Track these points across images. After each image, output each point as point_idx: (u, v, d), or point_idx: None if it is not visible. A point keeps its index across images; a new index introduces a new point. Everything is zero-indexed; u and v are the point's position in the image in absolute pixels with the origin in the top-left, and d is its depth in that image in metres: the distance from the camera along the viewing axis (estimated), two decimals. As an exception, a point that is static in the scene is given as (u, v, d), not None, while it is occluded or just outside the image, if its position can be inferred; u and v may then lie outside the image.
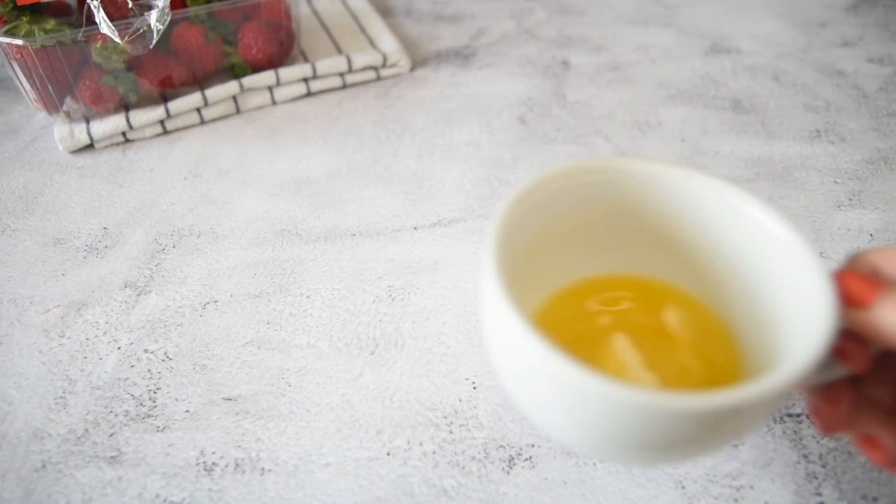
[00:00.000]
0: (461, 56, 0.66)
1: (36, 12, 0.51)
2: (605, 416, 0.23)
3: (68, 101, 0.55)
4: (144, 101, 0.57)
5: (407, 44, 0.67)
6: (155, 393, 0.38)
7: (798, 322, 0.25)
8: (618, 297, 0.32)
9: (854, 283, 0.24)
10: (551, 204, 0.30)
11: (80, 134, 0.55)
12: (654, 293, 0.31)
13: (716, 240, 0.30)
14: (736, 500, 0.32)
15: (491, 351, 0.27)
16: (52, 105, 0.55)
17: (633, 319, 0.31)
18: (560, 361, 0.22)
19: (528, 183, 0.28)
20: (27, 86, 0.53)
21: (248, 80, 0.58)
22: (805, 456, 0.33)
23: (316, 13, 0.70)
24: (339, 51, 0.64)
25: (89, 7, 0.49)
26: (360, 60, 0.61)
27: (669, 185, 0.30)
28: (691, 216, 0.30)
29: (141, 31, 0.51)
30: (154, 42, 0.51)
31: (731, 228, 0.29)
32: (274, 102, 0.60)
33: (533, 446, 0.34)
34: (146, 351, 0.40)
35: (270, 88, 0.59)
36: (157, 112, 0.56)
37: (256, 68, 0.59)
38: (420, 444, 0.35)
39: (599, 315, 0.31)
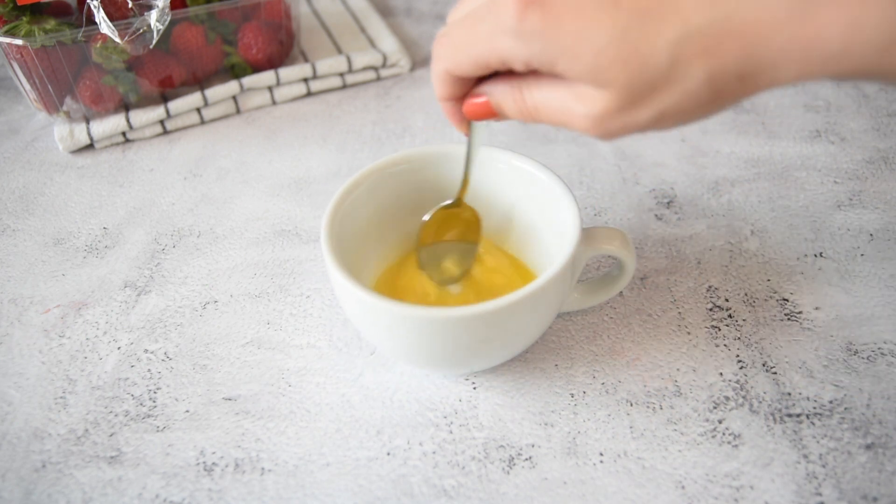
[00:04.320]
0: (461, 56, 0.65)
1: (36, 12, 0.51)
2: (405, 329, 0.32)
3: (68, 101, 0.55)
4: (144, 101, 0.57)
5: (407, 44, 0.67)
6: (155, 393, 0.38)
7: (556, 248, 0.35)
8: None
9: (478, 112, 0.31)
10: (372, 194, 0.38)
11: (80, 134, 0.55)
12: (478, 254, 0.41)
13: (502, 192, 0.40)
14: (736, 500, 0.32)
15: (341, 302, 0.35)
16: (52, 105, 0.55)
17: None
18: (370, 296, 0.31)
19: (348, 182, 0.37)
20: (27, 86, 0.53)
21: (248, 80, 0.58)
22: (805, 456, 0.33)
23: (316, 13, 0.70)
24: (339, 51, 0.64)
25: (89, 7, 0.49)
26: (360, 60, 0.61)
27: (459, 159, 0.38)
28: (484, 179, 0.39)
29: (141, 31, 0.51)
30: (154, 42, 0.51)
31: (511, 180, 0.39)
32: (274, 102, 0.60)
33: (533, 446, 0.34)
34: (146, 351, 0.40)
35: (270, 88, 0.59)
36: (157, 112, 0.56)
37: (256, 68, 0.59)
38: (420, 444, 0.35)
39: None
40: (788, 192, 0.48)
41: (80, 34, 0.51)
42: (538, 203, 0.38)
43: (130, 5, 0.51)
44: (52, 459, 0.35)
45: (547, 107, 0.28)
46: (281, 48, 0.60)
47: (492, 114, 0.31)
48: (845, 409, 0.35)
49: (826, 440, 0.34)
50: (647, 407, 0.36)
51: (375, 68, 0.62)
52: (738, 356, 0.38)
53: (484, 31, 0.27)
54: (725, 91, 0.26)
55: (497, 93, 0.30)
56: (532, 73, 0.29)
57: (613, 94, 0.26)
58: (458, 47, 0.29)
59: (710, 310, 0.41)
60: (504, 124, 0.56)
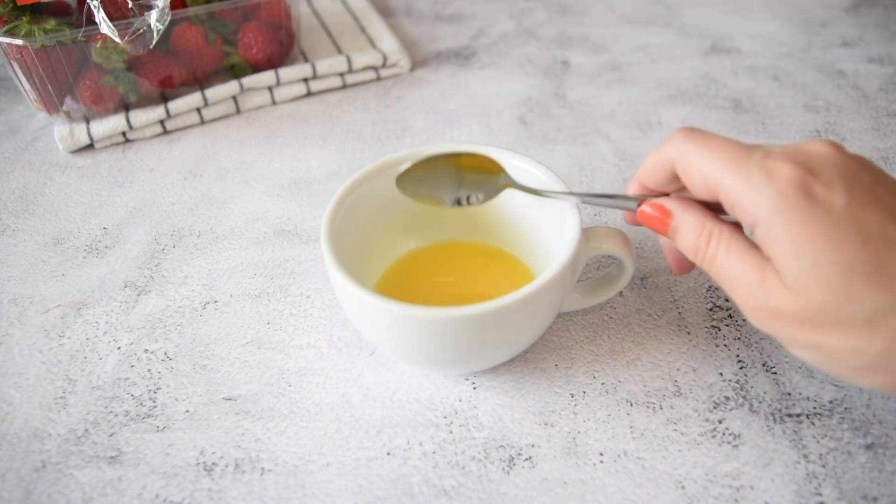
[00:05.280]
0: (461, 56, 0.66)
1: (36, 12, 0.51)
2: (405, 329, 0.32)
3: (68, 101, 0.55)
4: (144, 101, 0.57)
5: (407, 44, 0.67)
6: (155, 393, 0.38)
7: (557, 247, 0.34)
8: (445, 260, 0.42)
9: (650, 223, 0.32)
10: (372, 194, 0.38)
11: (80, 134, 0.55)
12: (474, 254, 0.41)
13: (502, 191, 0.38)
14: (736, 500, 0.32)
15: (341, 302, 0.35)
16: (52, 105, 0.55)
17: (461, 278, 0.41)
18: (370, 296, 0.31)
19: (348, 182, 0.37)
20: (27, 86, 0.53)
21: (248, 80, 0.58)
22: (805, 456, 0.33)
23: (316, 13, 0.70)
24: (339, 51, 0.64)
25: (89, 7, 0.49)
26: (360, 60, 0.61)
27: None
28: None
29: (141, 31, 0.51)
30: (154, 42, 0.51)
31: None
32: (274, 102, 0.60)
33: (533, 446, 0.34)
34: (146, 351, 0.40)
35: (270, 88, 0.59)
36: (157, 112, 0.56)
37: (256, 68, 0.59)
38: (420, 444, 0.35)
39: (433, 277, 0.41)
40: (788, 192, 0.48)
41: (80, 34, 0.51)
42: (538, 203, 0.38)
43: (130, 5, 0.51)
44: (52, 459, 0.35)
45: (727, 269, 0.29)
46: (281, 48, 0.60)
47: (662, 228, 0.31)
48: (845, 409, 0.35)
49: (826, 440, 0.34)
50: (647, 407, 0.36)
51: (375, 68, 0.62)
52: (738, 356, 0.38)
53: (748, 163, 0.27)
54: (885, 368, 0.26)
55: (687, 219, 0.30)
56: (733, 225, 0.29)
57: (798, 303, 0.26)
58: (705, 151, 0.28)
59: (710, 310, 0.41)
60: (503, 122, 0.57)
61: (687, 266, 0.35)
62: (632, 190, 0.33)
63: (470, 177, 0.36)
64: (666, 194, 0.32)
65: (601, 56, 0.65)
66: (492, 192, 0.36)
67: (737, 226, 0.30)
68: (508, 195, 0.39)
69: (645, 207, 0.32)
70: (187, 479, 0.34)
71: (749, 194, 0.27)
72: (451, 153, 0.35)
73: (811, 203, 0.26)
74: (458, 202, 0.36)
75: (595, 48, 0.66)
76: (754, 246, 0.28)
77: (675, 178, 0.30)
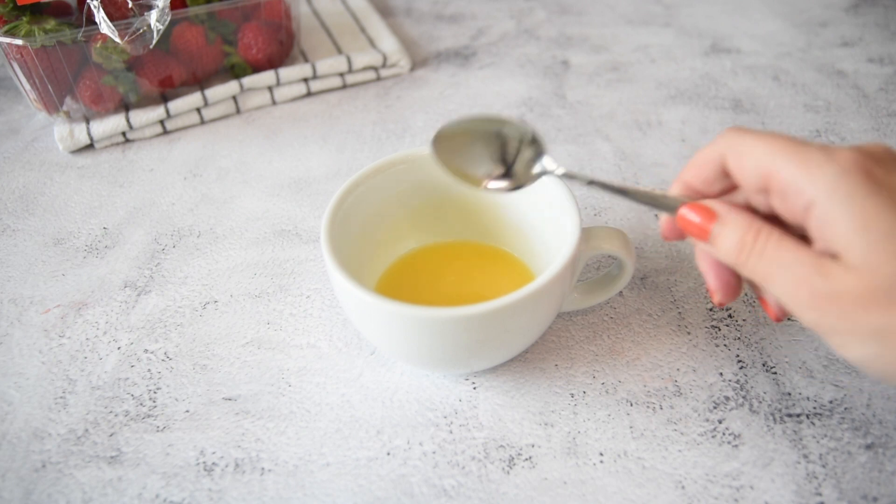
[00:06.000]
0: (461, 56, 0.66)
1: (36, 12, 0.51)
2: (405, 329, 0.32)
3: (68, 101, 0.55)
4: (144, 101, 0.57)
5: (407, 44, 0.67)
6: (155, 393, 0.38)
7: (557, 247, 0.34)
8: (445, 260, 0.42)
9: (689, 226, 0.29)
10: (372, 194, 0.38)
11: (80, 134, 0.55)
12: (474, 254, 0.42)
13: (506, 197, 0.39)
14: (736, 500, 0.32)
15: (341, 302, 0.36)
16: (52, 105, 0.55)
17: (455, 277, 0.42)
18: (370, 296, 0.31)
19: (348, 182, 0.37)
20: (27, 86, 0.53)
21: (248, 80, 0.58)
22: (805, 456, 0.33)
23: (316, 13, 0.70)
24: (339, 51, 0.64)
25: (89, 7, 0.49)
26: (360, 60, 0.61)
27: None
28: None
29: (141, 31, 0.51)
30: (154, 42, 0.51)
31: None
32: (274, 102, 0.60)
33: (533, 446, 0.34)
34: (146, 351, 0.40)
35: (270, 88, 0.59)
36: (157, 112, 0.56)
37: (256, 68, 0.59)
38: (420, 444, 0.35)
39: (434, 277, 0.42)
40: (788, 192, 0.48)
41: (80, 34, 0.51)
42: (538, 203, 0.38)
43: (130, 5, 0.51)
44: (52, 459, 0.35)
45: (778, 258, 0.27)
46: (281, 48, 0.60)
47: (701, 234, 0.29)
48: (845, 409, 0.35)
49: (826, 440, 0.34)
50: (647, 407, 0.36)
51: (375, 68, 0.62)
52: (738, 356, 0.38)
53: (806, 147, 0.26)
54: None
55: (734, 218, 0.28)
56: (781, 225, 0.28)
57: (866, 281, 0.25)
58: (759, 140, 0.27)
59: (710, 310, 0.41)
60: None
61: (734, 289, 0.32)
62: (674, 190, 0.31)
63: (510, 152, 0.33)
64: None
65: (601, 56, 0.65)
66: (525, 179, 0.33)
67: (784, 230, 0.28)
68: (508, 196, 0.39)
69: (684, 210, 0.29)
70: (187, 479, 0.34)
71: (806, 173, 0.26)
72: (497, 119, 0.33)
73: (873, 182, 0.25)
74: (490, 177, 0.34)
75: (595, 48, 0.66)
76: (806, 244, 0.27)
77: (723, 175, 0.29)
